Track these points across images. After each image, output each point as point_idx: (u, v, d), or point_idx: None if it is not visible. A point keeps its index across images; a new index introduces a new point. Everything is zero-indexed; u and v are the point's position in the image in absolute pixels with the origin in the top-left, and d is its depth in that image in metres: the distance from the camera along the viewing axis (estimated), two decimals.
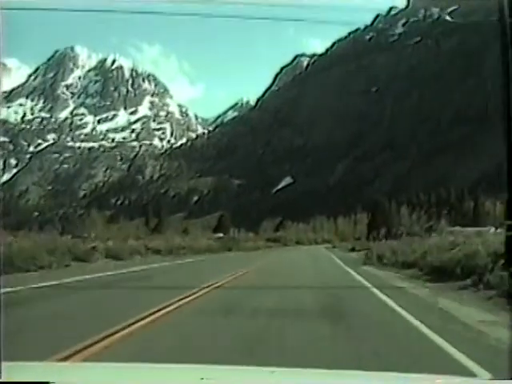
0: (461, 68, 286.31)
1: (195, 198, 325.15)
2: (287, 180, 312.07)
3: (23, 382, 2.37)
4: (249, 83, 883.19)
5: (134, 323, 9.10)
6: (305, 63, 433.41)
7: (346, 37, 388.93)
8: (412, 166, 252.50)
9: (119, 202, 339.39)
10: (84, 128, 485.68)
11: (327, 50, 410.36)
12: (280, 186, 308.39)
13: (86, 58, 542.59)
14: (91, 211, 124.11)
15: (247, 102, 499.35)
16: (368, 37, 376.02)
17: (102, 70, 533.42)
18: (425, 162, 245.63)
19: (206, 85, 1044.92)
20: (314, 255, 46.77)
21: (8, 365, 2.57)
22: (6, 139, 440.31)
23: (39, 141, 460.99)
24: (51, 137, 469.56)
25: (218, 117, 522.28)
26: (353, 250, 61.26)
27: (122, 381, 2.65)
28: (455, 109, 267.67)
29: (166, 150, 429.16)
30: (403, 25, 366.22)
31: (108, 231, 66.71)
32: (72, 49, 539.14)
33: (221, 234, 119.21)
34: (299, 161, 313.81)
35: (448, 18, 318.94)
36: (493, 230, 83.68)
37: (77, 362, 6.13)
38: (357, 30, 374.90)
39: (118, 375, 2.82)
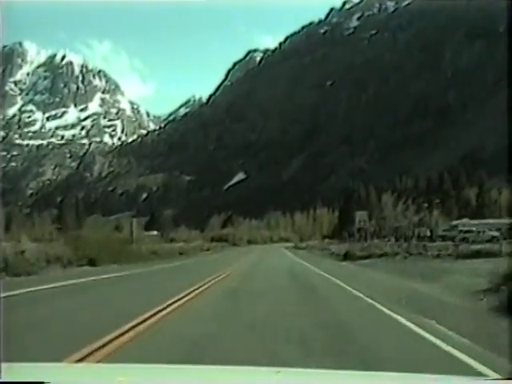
0: (418, 60, 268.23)
1: (144, 196, 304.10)
2: (240, 176, 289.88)
3: (21, 382, 2.32)
4: (201, 80, 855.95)
5: None
6: (258, 58, 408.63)
7: (299, 31, 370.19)
8: (369, 161, 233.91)
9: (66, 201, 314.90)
10: (32, 125, 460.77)
11: (280, 45, 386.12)
12: (232, 182, 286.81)
13: (35, 54, 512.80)
14: None
15: (199, 99, 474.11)
16: (322, 31, 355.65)
17: (52, 66, 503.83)
18: (383, 156, 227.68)
19: (157, 82, 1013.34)
20: (301, 283, 17.12)
21: (7, 365, 2.49)
22: None
23: None
24: None
25: (170, 114, 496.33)
26: (345, 256, 33.64)
27: (120, 381, 2.59)
28: (413, 102, 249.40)
29: (116, 147, 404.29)
30: (358, 18, 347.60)
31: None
32: (20, 44, 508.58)
33: (155, 232, 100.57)
34: (252, 156, 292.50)
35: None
36: None
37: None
38: (310, 24, 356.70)
39: (116, 375, 2.76)
